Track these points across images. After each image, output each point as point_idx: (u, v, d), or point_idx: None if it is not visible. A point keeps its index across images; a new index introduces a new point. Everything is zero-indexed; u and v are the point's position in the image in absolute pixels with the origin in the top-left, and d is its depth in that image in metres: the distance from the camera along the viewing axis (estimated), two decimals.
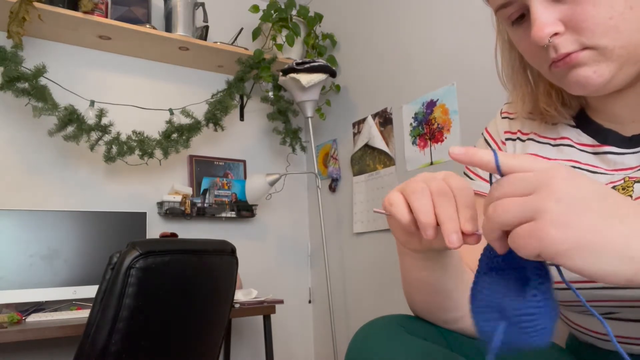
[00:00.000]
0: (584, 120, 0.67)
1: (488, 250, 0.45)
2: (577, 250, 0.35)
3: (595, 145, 0.64)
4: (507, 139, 0.74)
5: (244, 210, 2.62)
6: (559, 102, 0.67)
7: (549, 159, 0.68)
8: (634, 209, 0.37)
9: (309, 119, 2.54)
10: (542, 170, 0.38)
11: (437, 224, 0.46)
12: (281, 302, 2.19)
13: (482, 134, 0.78)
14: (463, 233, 0.45)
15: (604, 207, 0.37)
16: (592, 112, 0.66)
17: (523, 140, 0.72)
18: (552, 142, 0.69)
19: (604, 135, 0.63)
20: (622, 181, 0.59)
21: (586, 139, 0.65)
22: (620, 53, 0.54)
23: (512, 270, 0.43)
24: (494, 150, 0.41)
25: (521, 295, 0.41)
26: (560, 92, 0.68)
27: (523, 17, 0.59)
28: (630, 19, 0.53)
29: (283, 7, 2.60)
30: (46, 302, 2.01)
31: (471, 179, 0.76)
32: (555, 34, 0.55)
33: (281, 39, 2.60)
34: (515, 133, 0.73)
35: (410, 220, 0.47)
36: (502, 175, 0.40)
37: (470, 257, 0.65)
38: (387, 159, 2.34)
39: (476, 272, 0.46)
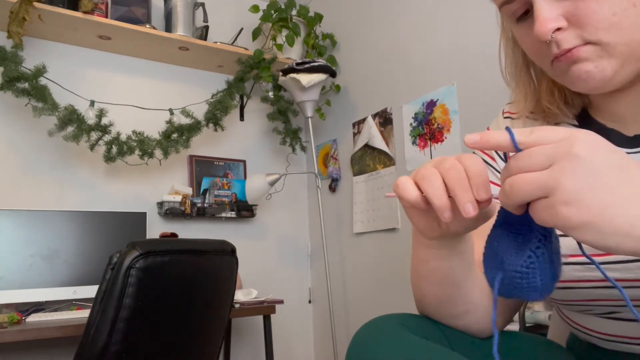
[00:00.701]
0: (586, 120, 0.67)
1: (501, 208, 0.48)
2: (585, 227, 0.38)
3: None
4: None
5: (244, 210, 2.62)
6: (562, 100, 0.67)
7: None
8: None
9: (309, 119, 2.54)
10: (559, 141, 0.39)
11: (452, 206, 0.47)
12: (281, 302, 2.19)
13: None
14: (477, 201, 0.45)
15: (617, 182, 0.38)
16: (595, 111, 0.66)
17: None
18: None
19: (606, 135, 0.63)
20: None
21: None
22: (623, 50, 0.54)
23: (521, 227, 0.46)
24: (508, 129, 0.41)
25: (520, 252, 0.45)
26: (563, 90, 0.68)
27: (527, 14, 0.59)
28: (633, 16, 0.53)
29: (283, 7, 2.60)
30: (46, 302, 2.01)
31: (489, 164, 0.76)
32: (558, 29, 0.55)
33: (281, 39, 2.60)
34: None
35: (418, 196, 0.48)
36: (518, 149, 0.41)
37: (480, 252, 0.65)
38: (387, 159, 2.34)
39: (493, 224, 0.49)
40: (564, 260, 0.59)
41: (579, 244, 0.43)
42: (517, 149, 0.41)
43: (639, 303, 0.57)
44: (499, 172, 0.73)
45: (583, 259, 0.58)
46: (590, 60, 0.55)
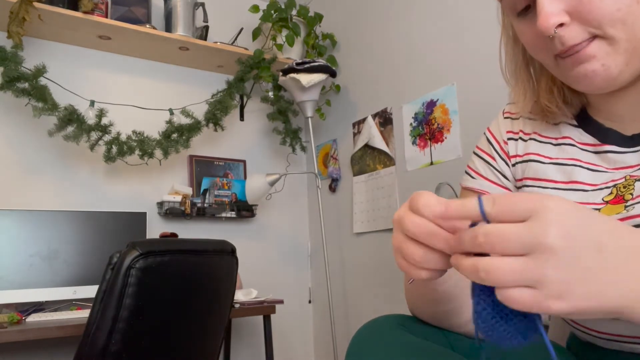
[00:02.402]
0: (585, 120, 0.67)
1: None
2: (577, 314, 0.38)
3: (597, 144, 0.64)
4: (509, 139, 0.74)
5: (244, 210, 2.62)
6: (561, 99, 0.67)
7: (550, 157, 0.68)
8: (631, 255, 0.38)
9: (309, 119, 2.54)
10: (531, 223, 0.37)
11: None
12: (281, 302, 2.19)
13: (485, 133, 0.78)
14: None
15: (598, 266, 0.37)
16: (593, 111, 0.66)
17: (525, 140, 0.72)
18: (554, 141, 0.69)
19: (605, 134, 0.63)
20: (623, 179, 0.59)
21: (587, 138, 0.65)
22: (627, 47, 0.54)
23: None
24: (479, 198, 0.40)
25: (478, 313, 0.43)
26: (562, 89, 0.67)
27: (528, 9, 0.59)
28: (638, 12, 0.52)
29: (283, 7, 2.60)
30: (46, 302, 2.01)
31: (472, 177, 0.76)
32: (561, 24, 0.54)
33: (281, 39, 2.60)
34: (517, 133, 0.73)
35: (431, 272, 0.45)
36: (487, 221, 0.39)
37: None
38: (387, 159, 2.34)
39: (471, 297, 0.45)
40: None
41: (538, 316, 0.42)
42: (486, 220, 0.39)
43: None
44: (499, 172, 0.74)
45: None
46: (598, 59, 0.55)
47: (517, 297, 0.37)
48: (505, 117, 0.76)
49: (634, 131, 0.61)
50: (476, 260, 0.39)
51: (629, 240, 0.39)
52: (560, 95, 0.67)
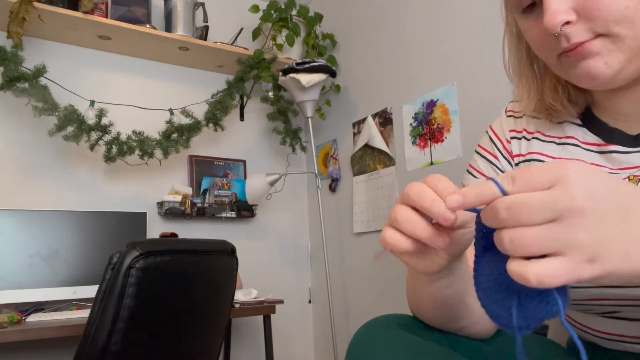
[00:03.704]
0: (590, 119, 0.66)
1: (481, 229, 0.44)
2: (610, 277, 0.37)
3: (601, 144, 0.63)
4: (512, 138, 0.73)
5: (244, 210, 2.62)
6: (565, 97, 0.67)
7: (553, 157, 0.67)
8: None
9: (309, 119, 2.54)
10: (554, 189, 0.36)
11: (441, 230, 0.45)
12: (281, 302, 2.19)
13: (487, 131, 0.77)
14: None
15: (626, 225, 0.37)
16: (598, 110, 0.66)
17: (528, 139, 0.71)
18: (557, 140, 0.68)
19: (609, 134, 0.63)
20: (627, 179, 0.59)
21: (592, 137, 0.65)
22: (632, 44, 0.53)
23: None
24: (494, 180, 0.39)
25: None
26: (566, 87, 0.67)
27: (534, 6, 0.58)
28: None
29: (283, 7, 2.60)
30: (46, 302, 2.01)
31: (474, 176, 0.75)
32: (568, 22, 0.54)
33: (281, 39, 2.60)
34: (520, 132, 0.72)
35: (409, 242, 0.45)
36: None
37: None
38: (387, 159, 2.34)
39: (474, 256, 0.45)
40: None
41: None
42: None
43: (636, 302, 0.56)
44: (501, 171, 0.73)
45: None
46: (600, 56, 0.54)
47: (546, 270, 0.35)
48: (509, 116, 0.75)
49: (639, 130, 0.61)
50: (500, 230, 0.38)
51: None
52: (565, 94, 0.67)
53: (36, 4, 2.00)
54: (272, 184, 2.45)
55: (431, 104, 2.11)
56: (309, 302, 2.87)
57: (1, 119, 2.16)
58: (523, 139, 0.72)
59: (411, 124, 2.21)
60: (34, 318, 1.74)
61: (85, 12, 2.14)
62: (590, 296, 0.59)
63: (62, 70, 2.31)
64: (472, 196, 0.40)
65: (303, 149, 2.89)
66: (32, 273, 1.94)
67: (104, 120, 2.19)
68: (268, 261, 2.77)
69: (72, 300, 2.03)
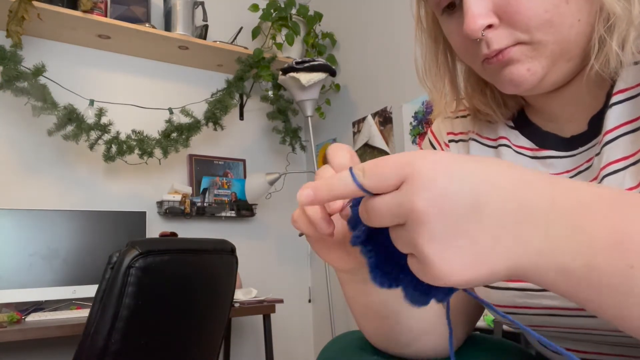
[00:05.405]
0: (522, 122, 0.63)
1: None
2: (467, 286, 0.34)
3: (534, 149, 0.60)
4: (450, 141, 0.69)
5: (243, 209, 2.62)
6: (494, 101, 0.63)
7: None
8: (520, 210, 0.33)
9: (309, 118, 2.54)
10: (399, 191, 0.33)
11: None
12: (281, 301, 2.19)
13: (427, 135, 0.73)
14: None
15: (480, 225, 0.32)
16: (531, 112, 0.63)
17: (465, 141, 0.68)
18: (492, 142, 0.65)
19: (543, 138, 0.60)
20: None
21: (524, 141, 0.61)
22: (554, 49, 0.51)
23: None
24: (350, 170, 0.35)
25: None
26: (494, 89, 0.63)
27: (453, 7, 0.55)
28: (566, 13, 0.50)
29: (283, 6, 2.60)
30: (46, 301, 2.01)
31: (434, 147, 0.71)
32: (489, 26, 0.51)
33: (281, 38, 2.60)
34: (457, 134, 0.69)
35: (309, 227, 0.41)
36: (369, 193, 0.34)
37: None
38: None
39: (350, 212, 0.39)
40: (503, 285, 0.55)
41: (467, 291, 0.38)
42: (368, 193, 0.34)
43: (584, 331, 0.53)
44: None
45: (523, 284, 0.53)
46: (522, 63, 0.52)
47: (414, 268, 0.34)
48: (445, 117, 0.71)
49: (572, 132, 0.58)
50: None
51: (512, 194, 0.33)
52: (494, 97, 0.63)
53: (35, 3, 1.99)
54: (271, 183, 2.45)
55: (431, 103, 2.10)
56: (309, 301, 2.87)
57: (1, 118, 2.16)
58: (460, 142, 0.68)
59: (411, 123, 2.21)
60: (33, 317, 1.74)
61: (84, 11, 2.14)
62: (534, 323, 0.56)
63: (61, 69, 2.31)
64: (325, 192, 0.36)
65: (303, 148, 2.88)
66: (32, 272, 1.94)
67: (104, 120, 2.19)
68: (268, 260, 2.77)
69: (72, 299, 2.03)
